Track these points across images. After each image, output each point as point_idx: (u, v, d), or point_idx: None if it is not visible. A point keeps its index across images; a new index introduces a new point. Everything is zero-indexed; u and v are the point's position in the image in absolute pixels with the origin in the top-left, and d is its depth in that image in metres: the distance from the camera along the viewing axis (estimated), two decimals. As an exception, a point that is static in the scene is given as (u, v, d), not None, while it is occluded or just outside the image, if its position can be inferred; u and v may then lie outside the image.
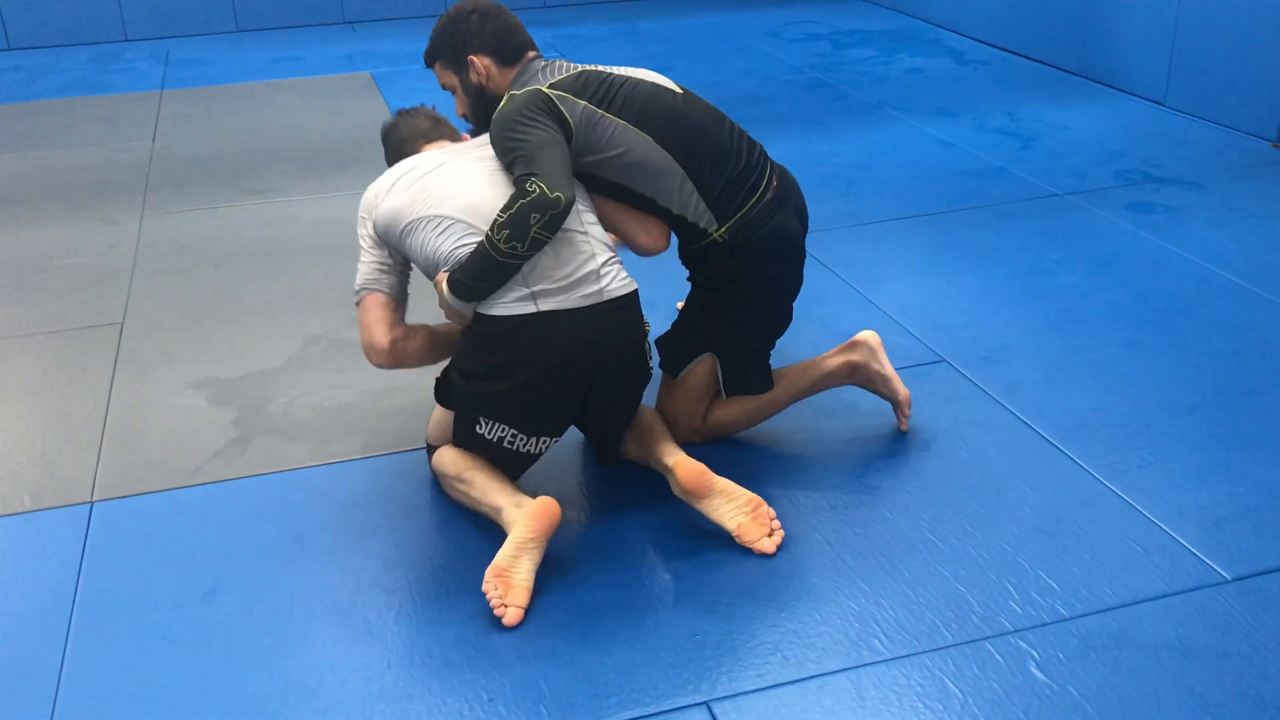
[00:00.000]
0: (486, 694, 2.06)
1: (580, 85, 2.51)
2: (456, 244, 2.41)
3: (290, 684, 2.10)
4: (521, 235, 2.27)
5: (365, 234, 2.55)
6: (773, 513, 2.47)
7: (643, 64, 2.83)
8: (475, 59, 2.58)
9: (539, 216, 2.27)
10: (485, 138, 2.59)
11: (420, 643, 2.19)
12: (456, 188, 2.45)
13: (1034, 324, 3.40)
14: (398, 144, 2.76)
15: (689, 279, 2.74)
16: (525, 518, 2.31)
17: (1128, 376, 3.09)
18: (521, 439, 2.48)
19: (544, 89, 2.48)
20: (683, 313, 2.74)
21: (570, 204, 2.30)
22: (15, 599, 2.35)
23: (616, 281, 2.45)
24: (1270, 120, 4.94)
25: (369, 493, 2.67)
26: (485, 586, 2.25)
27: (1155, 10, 5.47)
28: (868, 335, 2.81)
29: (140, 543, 2.51)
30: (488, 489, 2.45)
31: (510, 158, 2.40)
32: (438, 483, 2.64)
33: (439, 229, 2.42)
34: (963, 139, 5.11)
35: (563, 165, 2.35)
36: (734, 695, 2.04)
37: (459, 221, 2.41)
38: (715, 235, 2.55)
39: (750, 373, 2.72)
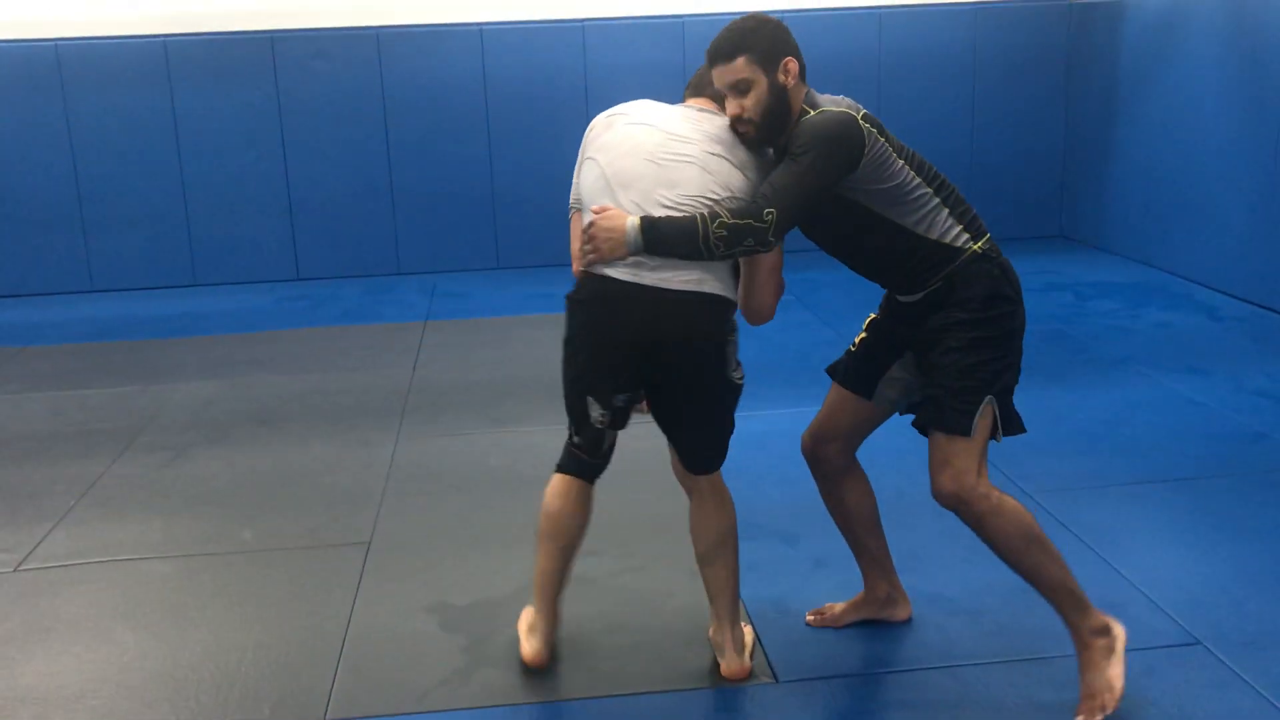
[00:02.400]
0: None
1: (872, 120, 2.63)
2: (590, 188, 2.66)
3: None
4: (730, 247, 2.50)
5: (582, 156, 2.76)
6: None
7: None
8: (790, 61, 2.62)
9: (751, 244, 2.50)
10: (706, 116, 2.70)
11: None
12: (626, 147, 2.64)
13: (1304, 609, 3.12)
14: (692, 81, 2.87)
15: (929, 331, 2.66)
16: None
17: None
18: (598, 410, 2.75)
19: (860, 118, 2.58)
20: (946, 366, 2.62)
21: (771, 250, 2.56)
22: (245, 813, 2.44)
23: (680, 278, 2.57)
24: None
25: (585, 736, 2.66)
26: None
27: None
28: (1124, 631, 2.69)
29: (364, 767, 2.58)
30: None
31: (791, 160, 2.53)
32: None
33: (589, 171, 2.69)
34: (1218, 399, 4.86)
35: (802, 215, 2.54)
36: None
37: (604, 175, 2.64)
38: (975, 248, 2.64)
39: (1013, 413, 2.71)
